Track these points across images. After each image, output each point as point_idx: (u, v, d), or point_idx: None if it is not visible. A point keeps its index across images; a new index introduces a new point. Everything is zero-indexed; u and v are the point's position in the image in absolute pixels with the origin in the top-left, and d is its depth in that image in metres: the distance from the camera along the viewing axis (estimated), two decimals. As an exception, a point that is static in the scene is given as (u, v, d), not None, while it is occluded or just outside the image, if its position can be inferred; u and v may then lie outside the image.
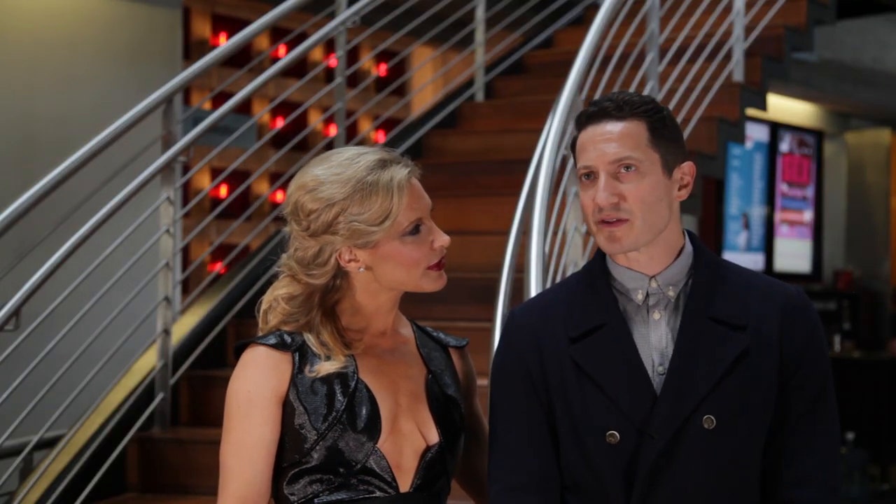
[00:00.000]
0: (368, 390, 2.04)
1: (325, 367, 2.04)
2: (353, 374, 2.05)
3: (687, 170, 2.08)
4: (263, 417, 2.01)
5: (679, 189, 2.07)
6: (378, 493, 2.02)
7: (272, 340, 2.05)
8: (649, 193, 2.01)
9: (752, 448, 2.00)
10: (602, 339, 2.03)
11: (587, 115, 2.06)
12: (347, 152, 2.08)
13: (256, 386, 2.02)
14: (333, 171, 2.04)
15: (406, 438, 2.06)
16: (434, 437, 2.08)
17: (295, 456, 2.02)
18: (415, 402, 2.09)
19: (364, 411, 2.02)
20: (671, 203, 2.05)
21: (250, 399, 2.01)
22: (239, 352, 2.08)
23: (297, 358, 2.04)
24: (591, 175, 2.03)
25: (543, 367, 2.05)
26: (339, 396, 2.02)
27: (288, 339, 2.06)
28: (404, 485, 2.04)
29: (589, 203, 2.03)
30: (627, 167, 2.00)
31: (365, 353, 2.09)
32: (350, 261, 2.05)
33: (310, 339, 2.06)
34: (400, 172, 2.04)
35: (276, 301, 2.10)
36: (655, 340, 2.03)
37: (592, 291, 2.08)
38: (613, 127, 2.02)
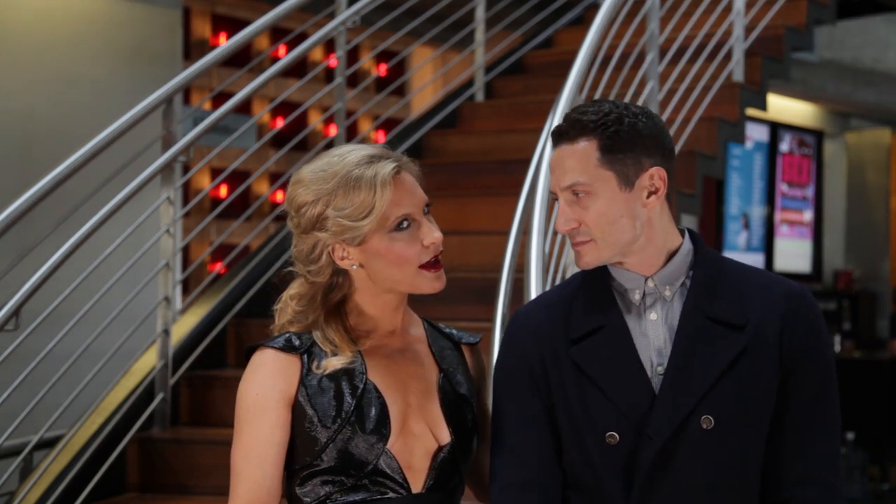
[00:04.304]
0: (377, 391, 2.04)
1: (333, 363, 2.03)
2: (362, 374, 2.04)
3: (655, 174, 2.03)
4: (273, 420, 2.01)
5: (648, 196, 2.03)
6: (391, 494, 2.01)
7: (279, 343, 2.05)
8: (604, 214, 2.00)
9: (751, 448, 2.00)
10: (602, 340, 2.03)
11: (551, 135, 2.07)
12: (342, 149, 2.08)
13: (265, 389, 2.02)
14: (322, 166, 2.05)
15: (417, 439, 2.05)
16: (445, 436, 2.07)
17: (306, 458, 2.02)
18: (426, 402, 2.08)
19: (373, 412, 2.01)
20: (637, 214, 2.02)
21: (259, 402, 2.01)
22: (248, 355, 2.08)
23: (305, 359, 2.04)
24: (555, 198, 2.06)
25: (545, 367, 2.05)
26: (348, 398, 2.01)
27: (296, 340, 2.06)
28: (416, 485, 2.04)
29: None
30: (578, 192, 2.01)
31: (374, 352, 2.08)
32: (343, 258, 2.06)
33: (318, 336, 2.07)
34: (385, 167, 2.02)
35: (286, 301, 2.11)
36: (654, 340, 2.03)
37: (593, 292, 2.08)
38: (566, 150, 2.02)
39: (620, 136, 2.00)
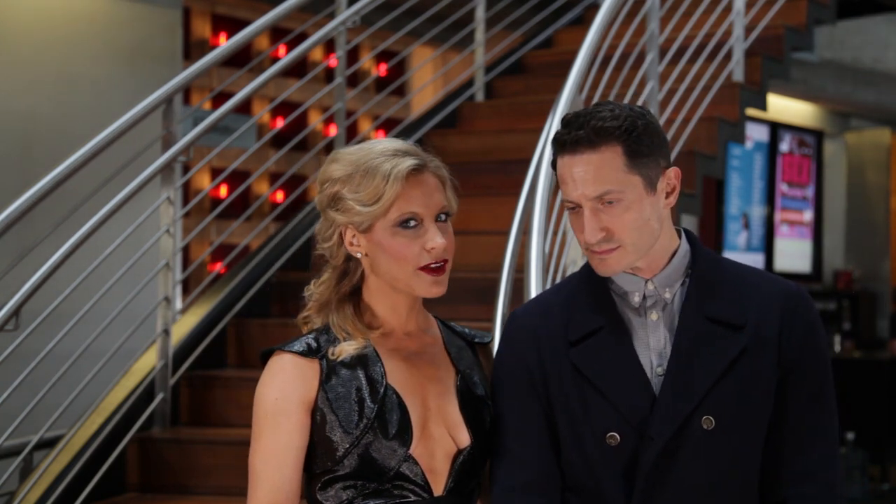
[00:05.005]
0: (398, 396, 2.03)
1: (345, 349, 2.04)
2: (382, 378, 2.04)
3: (672, 175, 2.04)
4: (292, 424, 2.01)
5: (666, 197, 2.04)
6: (412, 497, 2.01)
7: (297, 347, 2.05)
8: (636, 219, 1.98)
9: (751, 447, 2.00)
10: (601, 342, 2.03)
11: (561, 143, 2.01)
12: (378, 140, 2.12)
13: (284, 393, 2.01)
14: (354, 150, 2.09)
15: (437, 442, 2.05)
16: (465, 439, 2.07)
17: (327, 463, 2.02)
18: (444, 405, 2.08)
19: (394, 418, 2.01)
20: (660, 215, 2.02)
21: (278, 407, 2.01)
22: (265, 358, 2.08)
23: (324, 364, 2.04)
24: (575, 207, 2.01)
25: (544, 369, 2.05)
26: (369, 403, 2.01)
27: (314, 343, 2.06)
28: (437, 488, 2.04)
29: (578, 231, 2.02)
30: (609, 200, 1.97)
31: (392, 356, 2.08)
32: (352, 243, 2.07)
33: (332, 321, 2.08)
34: (405, 162, 2.04)
35: (311, 288, 2.13)
36: (654, 342, 2.03)
37: (591, 294, 2.08)
38: (589, 158, 1.97)
39: (643, 139, 1.99)
